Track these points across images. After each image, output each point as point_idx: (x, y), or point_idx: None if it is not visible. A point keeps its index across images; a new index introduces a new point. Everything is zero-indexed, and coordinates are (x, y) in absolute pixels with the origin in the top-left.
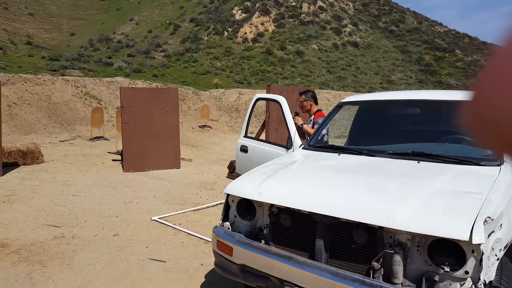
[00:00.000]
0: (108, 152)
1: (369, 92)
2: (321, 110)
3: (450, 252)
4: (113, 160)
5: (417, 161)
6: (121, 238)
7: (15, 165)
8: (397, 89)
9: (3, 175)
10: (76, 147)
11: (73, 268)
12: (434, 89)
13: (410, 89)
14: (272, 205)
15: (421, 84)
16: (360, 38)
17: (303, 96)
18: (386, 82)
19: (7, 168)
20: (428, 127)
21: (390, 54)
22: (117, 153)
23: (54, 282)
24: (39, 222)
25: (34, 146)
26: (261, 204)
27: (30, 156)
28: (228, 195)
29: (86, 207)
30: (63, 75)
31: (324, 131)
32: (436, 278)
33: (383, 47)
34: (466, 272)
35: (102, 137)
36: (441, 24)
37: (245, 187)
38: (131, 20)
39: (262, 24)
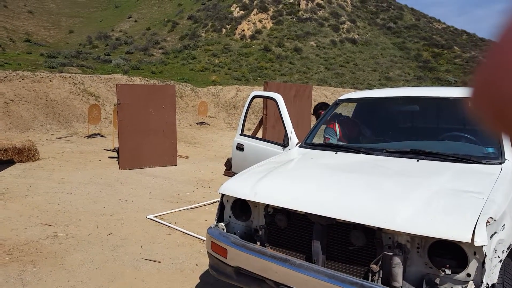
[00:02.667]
0: (105, 149)
1: (367, 89)
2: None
3: (451, 254)
4: (109, 157)
5: (416, 160)
6: (115, 237)
7: (10, 162)
8: (395, 86)
9: None
10: (73, 144)
11: (66, 268)
12: (432, 85)
13: (408, 86)
14: (267, 206)
15: (420, 81)
16: (358, 35)
17: (322, 112)
18: (384, 79)
19: (2, 165)
20: (427, 124)
21: (388, 51)
22: (113, 150)
23: (46, 283)
24: (32, 220)
25: (30, 143)
26: (256, 204)
27: (26, 154)
28: (222, 195)
29: (80, 205)
30: (62, 72)
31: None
32: (437, 281)
33: (381, 44)
34: (468, 275)
35: (99, 134)
36: (439, 21)
37: (240, 187)
38: (129, 18)
39: (260, 21)
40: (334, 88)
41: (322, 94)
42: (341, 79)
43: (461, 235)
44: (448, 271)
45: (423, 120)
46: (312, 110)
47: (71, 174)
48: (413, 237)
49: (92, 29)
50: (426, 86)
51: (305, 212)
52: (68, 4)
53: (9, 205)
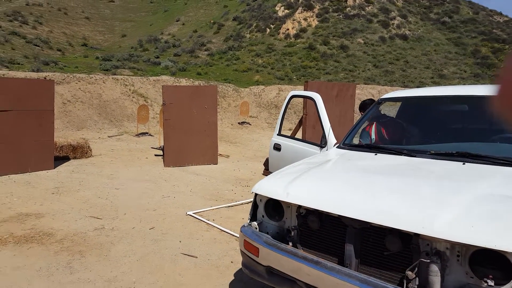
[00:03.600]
0: (152, 148)
1: (418, 87)
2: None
3: (495, 264)
4: (155, 155)
5: (462, 162)
6: (156, 232)
7: (66, 158)
8: (450, 84)
9: (54, 168)
10: (123, 142)
11: (110, 259)
12: (491, 83)
13: (464, 84)
14: (300, 207)
15: (477, 79)
16: (409, 30)
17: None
18: (438, 77)
19: (58, 161)
20: (476, 125)
21: (442, 46)
22: (159, 148)
23: (91, 272)
24: (82, 213)
25: (84, 141)
26: (289, 205)
27: (80, 151)
28: (256, 194)
29: (126, 200)
30: (115, 75)
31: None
32: None
33: (434, 40)
34: None
35: (147, 133)
36: (500, 14)
37: (272, 187)
38: (177, 21)
39: (305, 19)
40: (381, 87)
41: (369, 92)
42: (390, 77)
43: (505, 244)
44: (491, 283)
45: (472, 121)
46: (357, 108)
47: (120, 171)
48: (452, 245)
49: (143, 32)
50: (484, 84)
51: (338, 215)
52: (121, 9)
53: (62, 199)
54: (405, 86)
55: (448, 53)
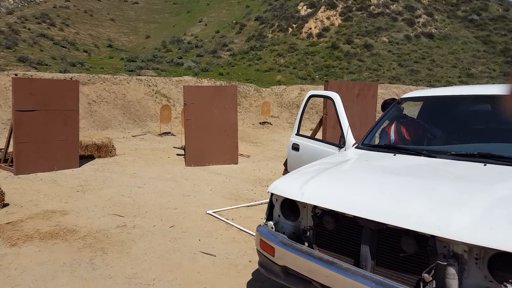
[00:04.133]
0: (174, 147)
1: (445, 86)
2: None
3: None
4: (177, 154)
5: (483, 164)
6: (176, 230)
7: (91, 157)
8: (478, 83)
9: (79, 167)
10: (146, 142)
11: (130, 256)
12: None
13: (493, 83)
14: (315, 207)
15: (507, 78)
16: (435, 29)
17: None
18: (465, 76)
19: (83, 160)
20: (499, 125)
21: (470, 45)
22: (181, 148)
23: (112, 269)
24: (105, 211)
25: (108, 141)
26: (304, 205)
27: (104, 150)
28: (272, 194)
29: (148, 199)
30: (139, 75)
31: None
32: None
33: (462, 38)
34: None
35: (170, 132)
36: None
37: (288, 187)
38: (200, 22)
39: (328, 18)
40: (406, 86)
41: (393, 92)
42: (416, 76)
43: None
44: (511, 287)
45: (495, 121)
46: (379, 108)
47: (142, 169)
48: (470, 247)
49: (167, 33)
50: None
51: (353, 216)
52: (145, 11)
53: (86, 196)
54: (431, 85)
55: (476, 52)
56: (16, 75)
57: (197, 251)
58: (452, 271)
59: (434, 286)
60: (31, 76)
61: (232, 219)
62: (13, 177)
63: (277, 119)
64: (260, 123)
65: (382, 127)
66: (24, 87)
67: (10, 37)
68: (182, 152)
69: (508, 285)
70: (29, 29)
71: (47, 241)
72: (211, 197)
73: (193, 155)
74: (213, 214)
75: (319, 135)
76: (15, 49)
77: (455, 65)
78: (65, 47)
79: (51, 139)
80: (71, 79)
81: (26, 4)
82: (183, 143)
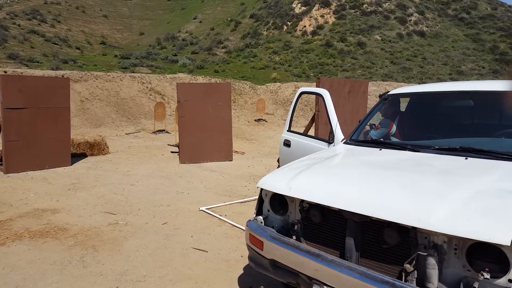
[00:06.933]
0: (168, 145)
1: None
2: None
3: (491, 257)
4: (171, 152)
5: (464, 157)
6: (169, 227)
7: (83, 155)
8: (468, 80)
9: (71, 165)
10: (140, 139)
11: (122, 253)
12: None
13: (483, 80)
14: (303, 201)
15: (495, 75)
16: (427, 27)
17: None
18: (456, 73)
19: (76, 158)
20: (482, 120)
21: (460, 43)
22: (175, 145)
23: (103, 266)
24: (97, 209)
25: (101, 138)
26: (292, 199)
27: (97, 148)
28: (261, 189)
29: (141, 196)
30: (133, 72)
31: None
32: (476, 285)
33: (452, 36)
34: (510, 281)
35: (164, 130)
36: None
37: (276, 181)
38: (195, 19)
39: (322, 16)
40: (398, 83)
41: (385, 89)
42: (408, 74)
43: (501, 237)
44: (488, 275)
45: (478, 116)
46: (369, 104)
47: (136, 167)
48: (450, 238)
49: (161, 30)
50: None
51: (339, 209)
52: (139, 7)
53: (78, 194)
54: (423, 82)
55: (466, 50)
56: (5, 72)
57: (189, 247)
58: (432, 261)
59: (415, 276)
60: (21, 73)
61: (225, 215)
62: (2, 176)
63: (272, 116)
64: (255, 120)
65: (385, 116)
66: (13, 85)
67: None
68: (176, 149)
69: (484, 273)
70: (19, 25)
71: (37, 239)
72: (204, 194)
73: (187, 152)
74: (206, 210)
75: (311, 132)
76: (5, 45)
77: (446, 63)
78: (57, 44)
79: (41, 137)
80: (62, 76)
81: None
82: (177, 141)
